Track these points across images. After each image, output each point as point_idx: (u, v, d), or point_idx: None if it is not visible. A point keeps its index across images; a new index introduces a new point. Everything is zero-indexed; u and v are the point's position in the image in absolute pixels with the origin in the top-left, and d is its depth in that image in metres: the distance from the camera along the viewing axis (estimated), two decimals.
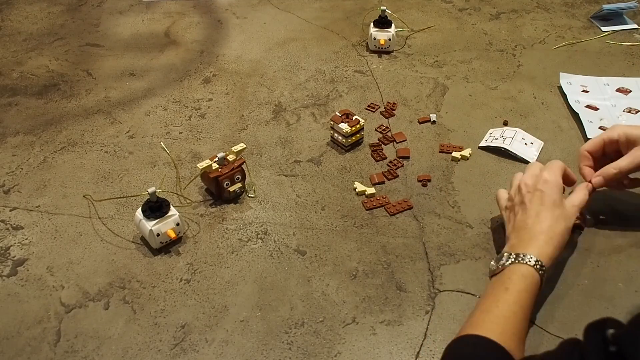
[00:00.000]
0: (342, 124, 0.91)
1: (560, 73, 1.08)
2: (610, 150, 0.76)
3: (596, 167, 0.76)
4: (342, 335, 0.67)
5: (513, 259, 0.64)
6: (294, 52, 1.22)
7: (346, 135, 0.92)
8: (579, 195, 0.71)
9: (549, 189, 0.68)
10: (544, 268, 0.63)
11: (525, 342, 0.60)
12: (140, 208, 0.77)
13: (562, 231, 0.66)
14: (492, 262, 0.66)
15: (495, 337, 0.56)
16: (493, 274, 0.65)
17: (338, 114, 0.93)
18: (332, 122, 0.93)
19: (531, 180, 0.70)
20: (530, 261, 0.63)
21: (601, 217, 0.80)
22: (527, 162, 0.89)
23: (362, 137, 0.95)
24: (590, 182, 0.74)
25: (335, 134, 0.94)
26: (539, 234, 0.66)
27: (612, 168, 0.73)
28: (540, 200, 0.68)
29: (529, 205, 0.68)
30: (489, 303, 0.61)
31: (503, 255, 0.65)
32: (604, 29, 1.25)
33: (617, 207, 0.82)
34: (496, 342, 0.56)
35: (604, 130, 0.94)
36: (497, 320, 0.59)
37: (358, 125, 0.92)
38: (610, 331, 0.44)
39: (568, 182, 0.74)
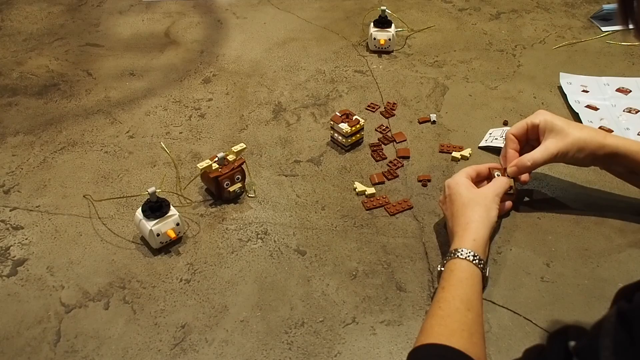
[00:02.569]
0: (342, 124, 0.91)
1: (560, 73, 1.08)
2: (533, 136, 0.78)
3: (522, 152, 0.79)
4: (342, 335, 0.67)
5: (447, 258, 0.68)
6: (294, 52, 1.22)
7: (346, 135, 0.91)
8: (497, 182, 0.75)
9: (453, 192, 0.74)
10: (476, 255, 0.66)
11: (481, 333, 0.60)
12: (140, 208, 0.77)
13: (479, 216, 0.70)
14: (439, 266, 0.70)
15: (444, 340, 0.56)
16: (439, 276, 0.69)
17: (338, 114, 0.93)
18: (332, 122, 0.93)
19: (444, 194, 0.76)
20: (461, 254, 0.66)
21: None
22: None
23: (362, 137, 0.95)
24: (505, 169, 0.78)
25: (335, 134, 0.94)
26: (460, 229, 0.70)
27: (526, 160, 0.76)
28: (452, 203, 0.73)
29: (447, 213, 0.74)
30: (433, 307, 0.62)
31: (445, 257, 0.69)
32: (604, 29, 1.25)
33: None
34: (445, 346, 0.56)
35: (604, 129, 0.94)
36: (443, 322, 0.60)
37: (358, 125, 0.92)
38: (572, 343, 0.45)
39: (480, 178, 0.79)
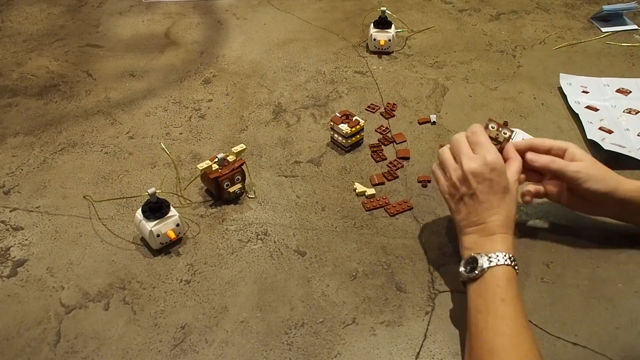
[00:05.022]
0: (342, 124, 0.91)
1: (560, 74, 1.09)
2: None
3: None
4: (342, 336, 0.67)
5: (488, 262, 0.62)
6: (294, 53, 1.22)
7: (346, 136, 0.92)
8: (515, 164, 0.69)
9: (497, 175, 0.65)
10: (515, 261, 0.63)
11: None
12: (140, 209, 0.77)
13: (514, 213, 0.66)
14: (462, 268, 0.64)
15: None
16: (469, 280, 0.63)
17: (338, 114, 0.93)
18: (332, 123, 0.93)
19: (477, 166, 0.66)
20: (506, 260, 0.62)
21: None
22: None
23: (362, 138, 0.95)
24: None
25: (335, 135, 0.94)
26: (500, 227, 0.64)
27: (550, 159, 0.71)
28: (491, 189, 0.65)
29: (481, 197, 0.65)
30: (495, 323, 0.58)
31: (476, 259, 0.63)
32: (604, 29, 1.25)
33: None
34: None
35: (604, 131, 0.94)
36: (514, 342, 0.56)
37: (358, 126, 0.92)
38: None
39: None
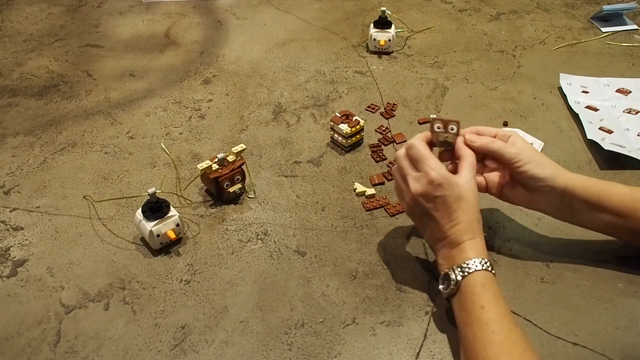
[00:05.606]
0: (342, 124, 0.91)
1: (560, 74, 1.09)
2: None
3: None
4: (342, 336, 0.67)
5: (461, 274, 0.62)
6: (294, 53, 1.22)
7: (346, 136, 0.92)
8: (467, 163, 0.67)
9: (444, 189, 0.64)
10: (488, 263, 0.62)
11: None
12: (140, 209, 0.77)
13: (477, 218, 0.65)
14: (440, 286, 0.65)
15: None
16: (450, 296, 0.64)
17: (338, 114, 0.93)
18: (332, 123, 0.93)
19: (422, 188, 0.65)
20: (477, 266, 0.62)
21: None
22: None
23: (362, 138, 0.95)
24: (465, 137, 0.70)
25: (335, 135, 0.94)
26: (464, 234, 0.64)
27: (487, 139, 0.69)
28: (444, 205, 0.64)
29: (436, 216, 0.65)
30: (482, 332, 0.58)
31: (448, 274, 0.63)
32: (603, 29, 1.26)
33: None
34: None
35: (604, 131, 0.94)
36: (505, 348, 0.56)
37: (358, 126, 0.92)
38: None
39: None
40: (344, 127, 0.91)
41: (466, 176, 0.66)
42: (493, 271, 0.63)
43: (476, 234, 0.65)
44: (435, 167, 0.65)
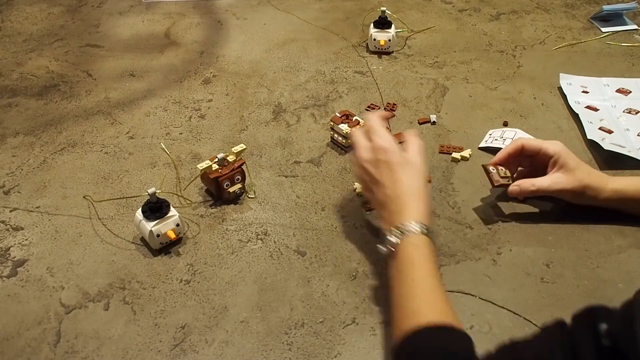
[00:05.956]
0: (342, 124, 0.91)
1: (560, 74, 1.09)
2: (539, 160, 0.79)
3: (515, 162, 0.82)
4: (342, 336, 0.67)
5: (398, 235, 0.64)
6: (294, 53, 1.22)
7: (346, 136, 0.91)
8: (414, 142, 0.73)
9: (389, 154, 0.69)
10: (426, 227, 0.64)
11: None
12: (140, 209, 0.77)
13: (420, 185, 0.68)
14: (380, 247, 0.66)
15: (437, 319, 0.55)
16: (389, 258, 0.65)
17: (338, 114, 0.93)
18: (332, 123, 0.93)
19: (370, 155, 0.71)
20: (415, 228, 0.63)
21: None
22: None
23: None
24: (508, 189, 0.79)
25: (335, 135, 0.94)
26: (404, 198, 0.67)
27: (530, 184, 0.76)
28: (388, 168, 0.69)
29: (381, 179, 0.69)
30: (408, 288, 0.60)
31: (386, 236, 0.65)
32: (603, 29, 1.26)
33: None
34: (448, 327, 0.55)
35: (604, 131, 0.94)
36: (429, 303, 0.58)
37: (358, 126, 0.92)
38: (603, 326, 0.44)
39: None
40: (344, 127, 0.91)
41: (413, 148, 0.72)
42: (428, 234, 0.64)
43: (418, 199, 0.67)
44: (383, 136, 0.71)
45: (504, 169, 0.81)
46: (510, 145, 0.80)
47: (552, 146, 0.77)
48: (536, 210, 0.82)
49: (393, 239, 0.64)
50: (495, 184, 0.79)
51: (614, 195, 0.76)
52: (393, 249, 0.64)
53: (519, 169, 0.83)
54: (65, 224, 0.83)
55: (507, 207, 0.83)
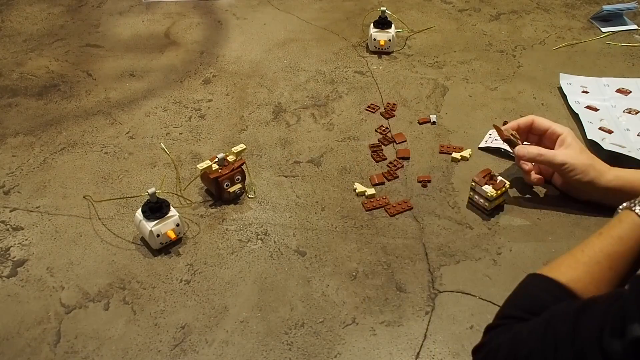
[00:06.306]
0: (486, 186, 0.80)
1: (560, 74, 1.09)
2: (546, 140, 0.83)
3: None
4: (342, 336, 0.67)
5: (630, 204, 0.59)
6: (294, 53, 1.22)
7: (490, 199, 0.80)
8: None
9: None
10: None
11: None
12: (140, 209, 0.77)
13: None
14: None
15: (566, 281, 0.55)
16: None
17: (480, 175, 0.82)
18: (473, 183, 0.82)
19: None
20: (630, 204, 0.58)
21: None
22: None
23: (505, 200, 0.84)
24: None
25: (476, 197, 0.82)
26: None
27: (536, 150, 0.79)
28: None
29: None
30: (579, 247, 0.59)
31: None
32: (604, 29, 1.25)
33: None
34: (563, 285, 0.54)
35: (604, 131, 0.94)
36: (575, 266, 0.57)
37: (504, 188, 0.81)
38: None
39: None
40: (489, 190, 0.80)
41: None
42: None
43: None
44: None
45: (515, 133, 0.82)
46: (522, 119, 0.83)
47: (560, 127, 0.80)
48: (536, 210, 0.82)
49: (627, 205, 0.60)
50: (505, 137, 0.81)
51: (616, 181, 0.76)
52: (619, 210, 0.60)
53: (525, 143, 0.84)
54: (65, 224, 0.83)
55: (506, 207, 0.83)
